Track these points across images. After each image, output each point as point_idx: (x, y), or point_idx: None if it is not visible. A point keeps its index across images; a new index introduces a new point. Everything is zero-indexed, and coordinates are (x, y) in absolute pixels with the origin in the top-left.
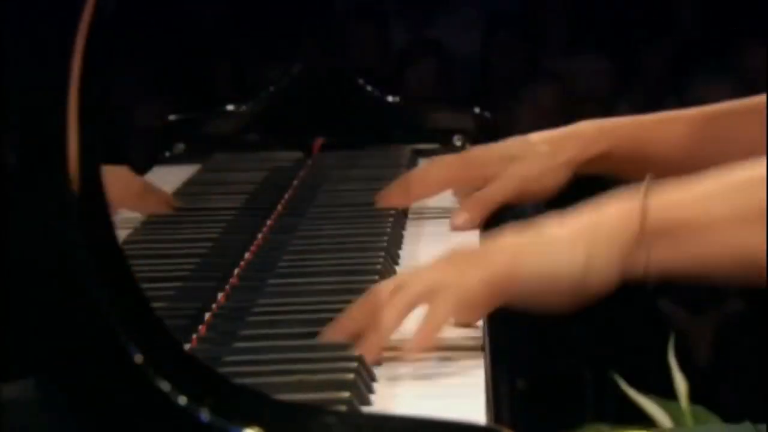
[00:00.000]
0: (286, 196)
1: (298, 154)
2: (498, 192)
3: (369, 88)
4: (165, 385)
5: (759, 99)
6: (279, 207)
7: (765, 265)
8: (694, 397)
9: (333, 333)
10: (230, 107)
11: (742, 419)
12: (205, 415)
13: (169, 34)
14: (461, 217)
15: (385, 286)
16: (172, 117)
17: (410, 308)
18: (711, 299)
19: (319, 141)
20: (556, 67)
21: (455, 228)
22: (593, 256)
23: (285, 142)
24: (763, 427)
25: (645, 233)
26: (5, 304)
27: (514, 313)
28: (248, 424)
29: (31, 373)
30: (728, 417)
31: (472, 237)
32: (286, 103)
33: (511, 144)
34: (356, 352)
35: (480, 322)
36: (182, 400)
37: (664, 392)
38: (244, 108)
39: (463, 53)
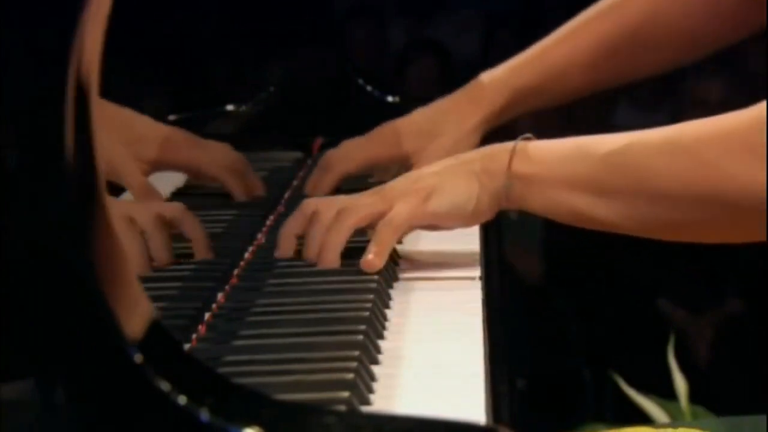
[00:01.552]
0: (286, 196)
1: (298, 154)
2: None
3: (369, 88)
4: (165, 385)
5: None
6: (279, 207)
7: (599, 226)
8: (694, 396)
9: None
10: (230, 107)
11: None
12: (204, 414)
13: (169, 33)
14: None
15: (324, 206)
16: (172, 117)
17: (351, 231)
18: (711, 299)
19: (319, 141)
20: None
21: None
22: (479, 198)
23: (285, 142)
24: (763, 418)
25: (509, 175)
26: (5, 304)
27: (514, 313)
28: (248, 424)
29: (31, 373)
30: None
31: (471, 234)
32: (286, 103)
33: (420, 118)
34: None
35: (479, 322)
36: (182, 399)
37: (664, 392)
38: (244, 108)
39: (463, 53)
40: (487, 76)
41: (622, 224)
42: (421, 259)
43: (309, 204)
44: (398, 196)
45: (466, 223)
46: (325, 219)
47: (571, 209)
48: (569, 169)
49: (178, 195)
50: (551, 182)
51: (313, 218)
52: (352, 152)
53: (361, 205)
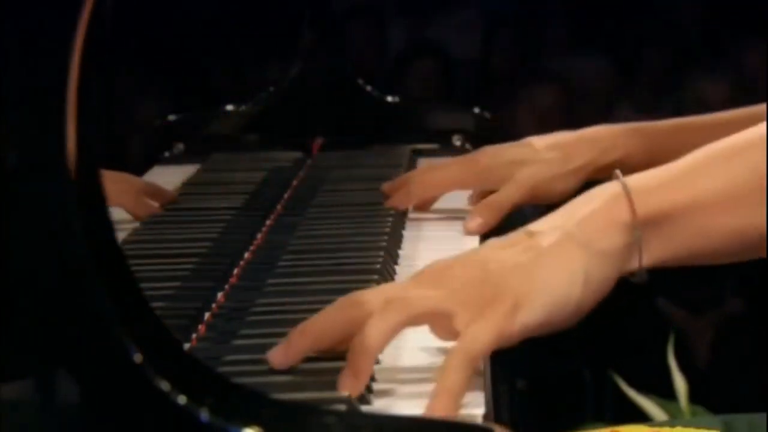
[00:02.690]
0: (286, 195)
1: (297, 154)
2: (510, 196)
3: (369, 88)
4: (165, 385)
5: None
6: (278, 207)
7: (765, 240)
8: (694, 397)
9: (304, 335)
10: (230, 107)
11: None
12: (204, 414)
13: (169, 33)
14: (474, 222)
15: (374, 298)
16: (171, 117)
17: (396, 332)
18: (711, 299)
19: (318, 141)
20: (556, 67)
21: (469, 232)
22: (588, 273)
23: (285, 142)
24: (762, 416)
25: (635, 223)
26: (5, 304)
27: None
28: (248, 424)
29: (31, 373)
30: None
31: (472, 241)
32: (285, 103)
33: (519, 148)
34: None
35: None
36: (182, 399)
37: (664, 392)
38: (243, 108)
39: (463, 53)
40: (604, 128)
41: None
42: (420, 260)
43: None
44: (472, 311)
45: (573, 318)
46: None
47: (737, 228)
48: (714, 179)
49: (176, 196)
50: (699, 205)
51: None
52: (439, 175)
53: (421, 305)
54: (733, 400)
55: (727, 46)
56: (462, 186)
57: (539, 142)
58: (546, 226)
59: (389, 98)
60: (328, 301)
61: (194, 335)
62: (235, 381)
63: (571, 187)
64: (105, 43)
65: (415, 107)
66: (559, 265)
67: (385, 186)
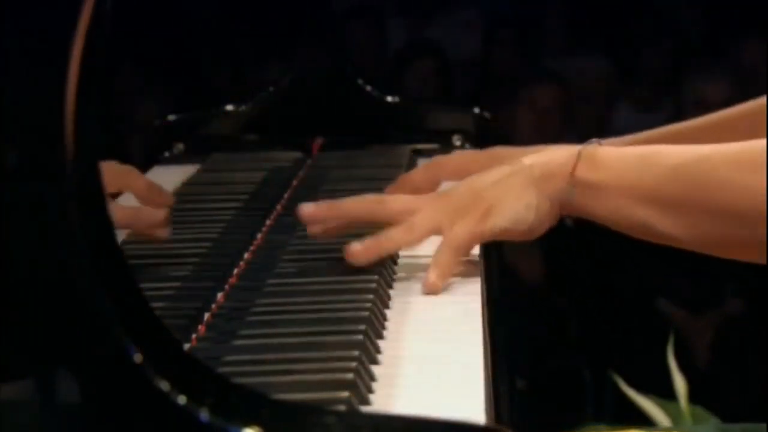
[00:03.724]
0: (286, 196)
1: (297, 154)
2: None
3: (368, 88)
4: (165, 385)
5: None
6: (278, 207)
7: (661, 237)
8: (694, 397)
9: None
10: (230, 107)
11: (742, 419)
12: (204, 414)
13: (169, 34)
14: None
15: (396, 204)
16: (171, 117)
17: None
18: (711, 299)
19: (318, 141)
20: (555, 67)
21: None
22: (539, 207)
23: (284, 142)
24: (762, 426)
25: (572, 181)
26: (5, 304)
27: (514, 313)
28: (248, 424)
29: (31, 373)
30: (727, 417)
31: None
32: (285, 103)
33: (533, 151)
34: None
35: (479, 323)
36: (182, 399)
37: (664, 392)
38: (243, 108)
39: (463, 53)
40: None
41: (687, 240)
42: (420, 259)
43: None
44: (457, 214)
45: (527, 235)
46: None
47: (636, 220)
48: (637, 178)
49: (177, 195)
50: (617, 191)
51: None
52: (457, 159)
53: (419, 226)
54: (733, 400)
55: (726, 46)
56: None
57: (550, 148)
58: (520, 164)
59: (389, 98)
60: (328, 301)
61: (194, 335)
62: (235, 381)
63: None
64: (105, 43)
65: (415, 107)
66: (520, 193)
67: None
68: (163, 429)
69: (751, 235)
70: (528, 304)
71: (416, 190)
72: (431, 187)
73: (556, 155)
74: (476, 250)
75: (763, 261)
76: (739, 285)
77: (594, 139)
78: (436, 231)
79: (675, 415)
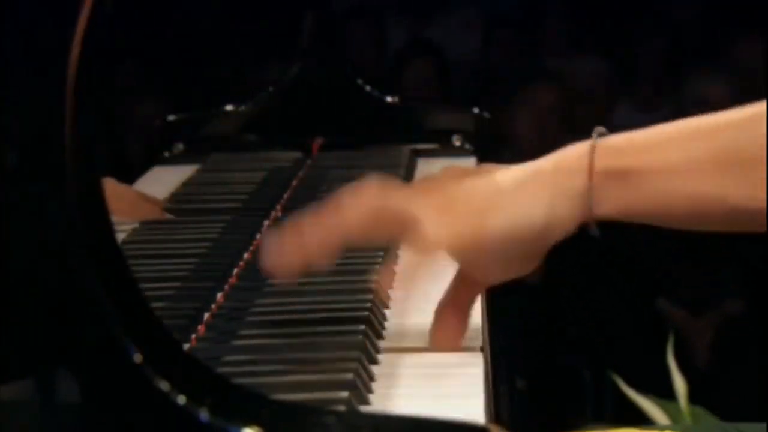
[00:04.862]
0: (286, 196)
1: (297, 154)
2: None
3: (368, 88)
4: (164, 385)
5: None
6: (278, 207)
7: (726, 214)
8: (693, 397)
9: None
10: (230, 107)
11: (742, 419)
12: (204, 414)
13: (169, 33)
14: None
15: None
16: (171, 117)
17: (368, 228)
18: (711, 299)
19: (318, 141)
20: (555, 67)
21: None
22: (554, 204)
23: (284, 142)
24: (762, 426)
25: (594, 176)
26: (5, 304)
27: (513, 313)
28: (247, 424)
29: (31, 373)
30: (727, 417)
31: None
32: (285, 103)
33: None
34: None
35: (479, 323)
36: (181, 399)
37: (663, 392)
38: (243, 108)
39: (463, 53)
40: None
41: (759, 202)
42: None
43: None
44: (444, 208)
45: (535, 243)
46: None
47: (696, 199)
48: (683, 149)
49: (177, 195)
50: (660, 171)
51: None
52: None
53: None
54: (733, 400)
55: (726, 46)
56: None
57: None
58: (530, 165)
59: (389, 98)
60: (328, 301)
61: (194, 335)
62: (235, 381)
63: None
64: (105, 43)
65: (415, 107)
66: (526, 193)
67: None
68: (163, 429)
69: None
70: (528, 304)
71: None
72: None
73: (568, 150)
74: None
75: None
76: (739, 285)
77: (601, 128)
78: (416, 222)
79: (675, 415)
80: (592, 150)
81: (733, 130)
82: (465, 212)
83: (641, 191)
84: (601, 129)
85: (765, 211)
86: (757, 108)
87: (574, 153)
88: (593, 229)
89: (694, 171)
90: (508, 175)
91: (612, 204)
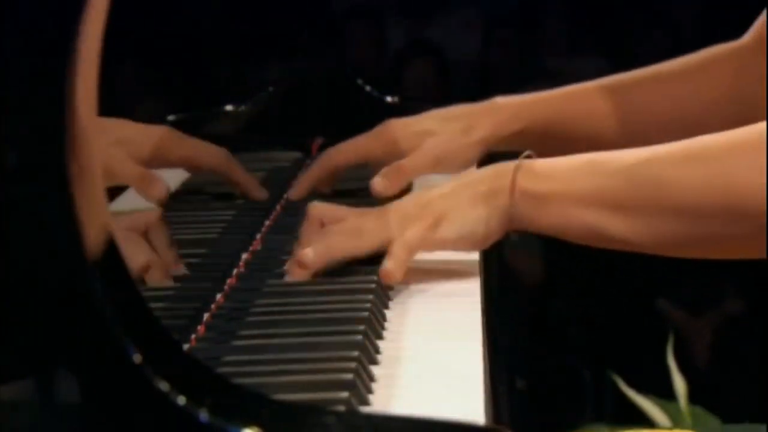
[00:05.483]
0: (285, 196)
1: (297, 154)
2: (413, 164)
3: (368, 88)
4: (164, 385)
5: (668, 65)
6: (278, 207)
7: (613, 241)
8: (693, 397)
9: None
10: (229, 107)
11: (742, 420)
12: (204, 415)
13: (169, 33)
14: (380, 184)
15: (332, 219)
16: (171, 117)
17: (350, 257)
18: (710, 299)
19: (318, 141)
20: (555, 67)
21: (375, 194)
22: (489, 219)
23: (284, 142)
24: (762, 427)
25: (512, 194)
26: (5, 304)
27: (514, 313)
28: (247, 424)
29: (31, 373)
30: (727, 417)
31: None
32: (285, 103)
33: (426, 119)
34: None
35: (479, 323)
36: (181, 400)
37: (663, 392)
38: (243, 108)
39: (462, 53)
40: (505, 100)
41: (638, 241)
42: (420, 259)
43: (315, 209)
44: (406, 222)
45: (475, 247)
46: (331, 234)
47: (584, 226)
48: (581, 183)
49: (176, 196)
50: (562, 198)
51: (316, 226)
52: (347, 146)
53: (368, 232)
54: (733, 400)
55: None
56: (370, 157)
57: (448, 113)
58: (469, 177)
59: (389, 98)
60: (327, 302)
61: (193, 336)
62: (235, 381)
63: (473, 156)
64: (106, 43)
65: (415, 107)
66: (470, 207)
67: (302, 180)
68: (163, 429)
69: (702, 232)
70: (527, 304)
71: (316, 188)
72: (330, 183)
73: (499, 169)
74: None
75: (720, 257)
76: (739, 285)
77: (528, 151)
78: (386, 241)
79: (675, 416)
80: (515, 172)
81: (633, 169)
82: (426, 224)
83: (546, 212)
84: (528, 152)
85: (644, 244)
86: (653, 150)
87: (501, 175)
88: (512, 235)
89: (585, 203)
90: (451, 190)
91: (525, 220)
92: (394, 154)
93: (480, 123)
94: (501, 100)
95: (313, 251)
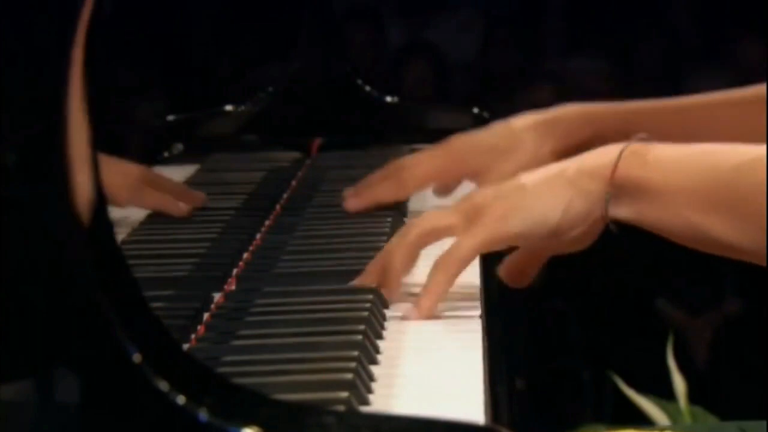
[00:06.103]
0: (285, 196)
1: (296, 155)
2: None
3: (367, 88)
4: (164, 385)
5: (753, 90)
6: (277, 207)
7: (720, 245)
8: (693, 397)
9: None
10: (229, 107)
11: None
12: (203, 414)
13: (169, 33)
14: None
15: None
16: (170, 117)
17: (415, 249)
18: (710, 299)
19: (317, 141)
20: (555, 67)
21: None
22: (570, 205)
23: (284, 143)
24: (762, 424)
25: (611, 185)
26: (5, 304)
27: (514, 313)
28: (247, 424)
29: (31, 373)
30: (727, 417)
31: None
32: (284, 103)
33: (496, 133)
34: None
35: (479, 323)
36: (181, 399)
37: (663, 392)
38: (242, 108)
39: (462, 53)
40: (573, 108)
41: (750, 248)
42: (420, 259)
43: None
44: (475, 214)
45: (554, 239)
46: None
47: (690, 226)
48: (693, 179)
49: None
50: (670, 194)
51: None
52: (420, 169)
53: (433, 216)
54: (732, 400)
55: (726, 46)
56: (442, 178)
57: (517, 123)
58: (557, 164)
59: (388, 98)
60: (327, 302)
61: (193, 335)
62: (235, 381)
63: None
64: (106, 43)
65: (414, 107)
66: (546, 192)
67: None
68: (163, 429)
69: None
70: (527, 305)
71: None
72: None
73: (597, 153)
74: None
75: None
76: (739, 285)
77: (642, 134)
78: (450, 230)
79: (674, 415)
80: (618, 158)
81: (746, 169)
82: (491, 219)
83: (651, 205)
84: (642, 135)
85: (752, 250)
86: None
87: (601, 156)
88: (612, 227)
89: (692, 203)
90: (533, 176)
91: (625, 209)
92: (465, 175)
93: (549, 133)
94: (570, 108)
95: (428, 300)
